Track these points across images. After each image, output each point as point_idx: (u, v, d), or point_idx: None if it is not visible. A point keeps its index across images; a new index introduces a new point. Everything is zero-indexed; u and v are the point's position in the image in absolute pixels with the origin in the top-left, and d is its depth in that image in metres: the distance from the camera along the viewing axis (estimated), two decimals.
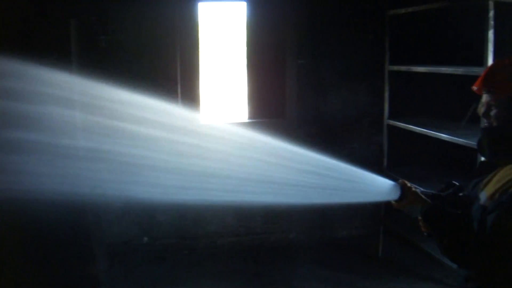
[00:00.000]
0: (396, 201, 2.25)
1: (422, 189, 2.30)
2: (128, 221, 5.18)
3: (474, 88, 2.15)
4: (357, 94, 5.27)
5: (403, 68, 4.52)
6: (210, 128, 1.97)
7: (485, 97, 2.09)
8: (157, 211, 5.14)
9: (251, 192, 2.14)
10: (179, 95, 5.01)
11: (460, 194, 2.29)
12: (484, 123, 2.12)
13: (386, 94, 4.75)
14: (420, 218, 2.16)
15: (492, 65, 2.16)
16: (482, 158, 2.34)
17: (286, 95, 5.16)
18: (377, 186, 2.24)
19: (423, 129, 4.25)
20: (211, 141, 2.03)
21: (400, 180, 2.25)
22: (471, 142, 3.51)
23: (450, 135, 3.92)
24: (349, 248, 5.37)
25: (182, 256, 5.17)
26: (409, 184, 2.24)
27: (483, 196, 2.06)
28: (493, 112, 2.04)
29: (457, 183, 2.35)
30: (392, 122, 4.73)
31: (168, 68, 4.94)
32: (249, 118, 5.23)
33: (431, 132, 4.14)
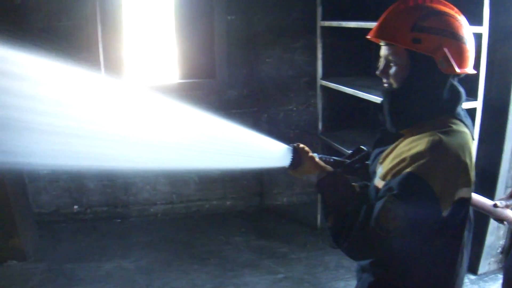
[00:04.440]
0: (289, 168, 1.92)
1: (321, 155, 1.97)
2: (57, 189, 4.96)
3: (369, 37, 1.75)
4: (293, 53, 4.91)
5: (334, 23, 4.18)
6: (137, 93, 1.75)
7: (383, 50, 1.70)
8: (86, 178, 4.90)
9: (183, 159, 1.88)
10: (101, 58, 4.66)
11: (368, 162, 1.95)
12: (384, 83, 1.73)
13: (319, 52, 4.41)
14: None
15: (391, 8, 1.69)
16: None
17: (215, 54, 4.82)
18: (273, 151, 1.91)
19: (354, 90, 3.95)
20: (138, 106, 1.79)
21: (295, 144, 1.90)
22: None
23: (380, 96, 3.62)
24: (287, 217, 5.14)
25: (113, 225, 4.97)
26: (306, 149, 1.89)
27: (379, 172, 1.71)
28: (392, 70, 1.66)
29: (365, 149, 2.01)
30: (325, 82, 4.41)
31: (88, 29, 4.56)
32: (180, 78, 4.91)
33: (362, 93, 3.84)
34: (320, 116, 4.58)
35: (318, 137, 4.54)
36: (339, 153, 3.20)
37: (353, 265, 4.09)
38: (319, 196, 4.58)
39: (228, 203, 5.20)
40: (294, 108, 5.06)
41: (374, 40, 1.76)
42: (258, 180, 5.19)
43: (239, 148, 1.84)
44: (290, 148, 1.89)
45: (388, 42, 1.66)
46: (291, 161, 1.88)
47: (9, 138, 1.37)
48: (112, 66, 4.66)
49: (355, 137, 4.47)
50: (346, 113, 4.87)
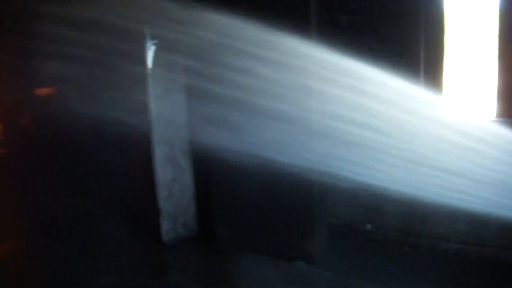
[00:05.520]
0: None
1: None
2: (355, 205, 5.15)
3: None
4: None
5: None
6: (454, 120, 1.77)
7: None
8: (385, 200, 4.94)
9: (488, 199, 1.86)
10: (422, 79, 4.64)
11: None
12: None
13: None
14: None
15: None
16: None
17: None
18: None
19: None
20: (453, 134, 1.80)
21: None
22: None
23: None
24: None
25: (402, 252, 4.91)
26: None
27: None
28: None
29: None
30: None
31: (410, 52, 4.59)
32: (497, 116, 4.54)
33: None
34: None
35: None
36: None
37: None
38: None
39: None
40: None
41: None
42: None
43: None
44: None
45: None
46: None
47: (327, 147, 1.45)
48: (431, 88, 4.59)
49: None
50: None
